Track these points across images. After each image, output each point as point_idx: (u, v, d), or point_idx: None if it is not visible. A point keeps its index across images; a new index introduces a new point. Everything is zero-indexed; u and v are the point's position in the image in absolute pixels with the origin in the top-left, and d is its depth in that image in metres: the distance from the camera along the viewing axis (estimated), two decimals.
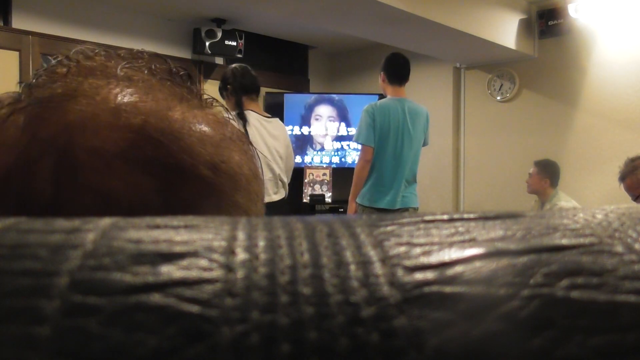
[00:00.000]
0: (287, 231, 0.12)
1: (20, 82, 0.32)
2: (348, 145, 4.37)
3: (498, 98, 4.00)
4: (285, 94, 4.37)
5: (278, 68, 4.49)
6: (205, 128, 0.31)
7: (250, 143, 0.36)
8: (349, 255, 0.11)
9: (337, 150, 4.40)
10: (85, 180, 0.28)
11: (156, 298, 0.10)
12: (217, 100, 0.35)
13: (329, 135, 4.39)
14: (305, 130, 4.36)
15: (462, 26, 3.18)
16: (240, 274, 0.10)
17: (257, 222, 0.13)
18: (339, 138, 4.40)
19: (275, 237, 0.12)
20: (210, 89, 3.72)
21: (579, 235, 0.12)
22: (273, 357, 0.09)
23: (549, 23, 3.63)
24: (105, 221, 0.12)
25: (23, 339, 0.09)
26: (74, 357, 0.09)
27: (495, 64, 3.96)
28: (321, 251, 0.11)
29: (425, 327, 0.09)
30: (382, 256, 0.11)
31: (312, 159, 4.35)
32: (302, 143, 4.32)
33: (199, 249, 0.11)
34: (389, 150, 2.78)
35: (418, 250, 0.11)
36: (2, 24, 3.25)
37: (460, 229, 0.12)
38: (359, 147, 2.90)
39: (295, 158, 2.72)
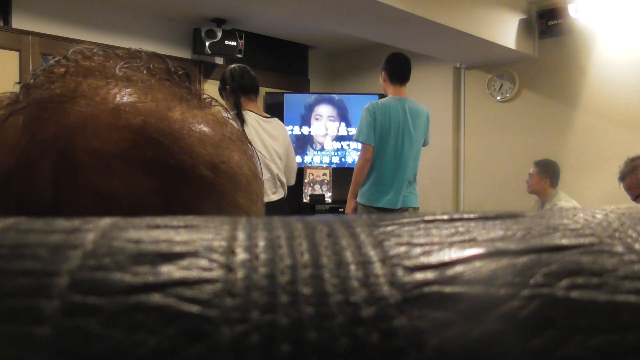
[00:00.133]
0: (287, 231, 0.12)
1: (18, 83, 0.32)
2: (348, 145, 4.37)
3: (498, 98, 4.00)
4: (285, 94, 4.37)
5: (278, 68, 4.49)
6: (204, 128, 0.31)
7: (250, 143, 0.36)
8: (349, 255, 0.11)
9: (337, 150, 4.40)
10: (86, 181, 0.27)
11: (156, 298, 0.10)
12: (216, 100, 0.35)
13: (329, 135, 4.39)
14: (305, 130, 4.36)
15: (462, 26, 3.18)
16: (240, 274, 0.10)
17: (257, 222, 0.13)
18: (339, 138, 4.40)
19: (275, 237, 0.12)
20: (210, 89, 3.72)
21: (579, 235, 0.12)
22: (273, 357, 0.09)
23: (549, 23, 3.63)
24: (105, 221, 0.12)
25: (23, 339, 0.09)
26: (74, 357, 0.09)
27: (495, 64, 3.96)
28: (321, 251, 0.11)
29: (425, 327, 0.09)
30: (382, 256, 0.11)
31: (312, 159, 4.35)
32: (302, 143, 4.32)
33: (199, 249, 0.11)
34: (389, 149, 2.79)
35: (418, 250, 0.11)
36: (2, 24, 3.25)
37: (460, 229, 0.12)
38: (359, 146, 2.90)
39: (295, 158, 2.72)
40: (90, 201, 0.27)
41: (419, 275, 0.11)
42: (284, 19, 3.61)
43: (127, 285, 0.10)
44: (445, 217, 0.13)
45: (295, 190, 2.83)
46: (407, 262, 0.11)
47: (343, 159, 4.36)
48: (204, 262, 0.11)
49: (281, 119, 2.86)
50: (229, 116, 0.35)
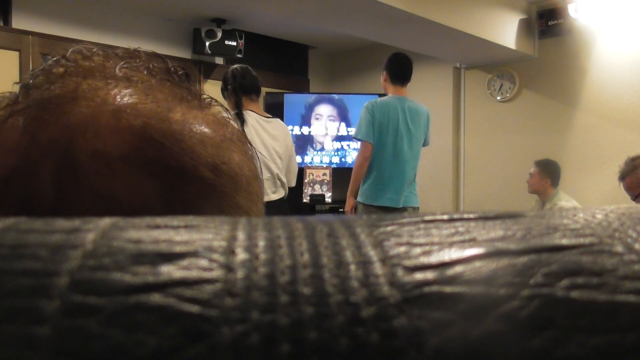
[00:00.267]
0: (287, 231, 0.12)
1: (17, 83, 0.32)
2: (348, 145, 4.37)
3: (498, 98, 4.00)
4: (285, 94, 4.37)
5: (278, 68, 4.49)
6: (205, 129, 0.31)
7: (250, 143, 0.36)
8: (349, 255, 0.11)
9: (337, 150, 4.40)
10: (87, 183, 0.27)
11: (156, 298, 0.10)
12: (216, 100, 0.35)
13: (329, 135, 4.39)
14: (305, 130, 4.36)
15: (462, 26, 3.18)
16: (240, 274, 0.10)
17: (257, 222, 0.13)
18: (339, 138, 4.40)
19: (275, 237, 0.12)
20: (210, 89, 3.71)
21: (579, 235, 0.12)
22: (273, 357, 0.09)
23: (549, 23, 3.63)
24: (105, 221, 0.12)
25: (23, 339, 0.09)
26: (74, 357, 0.09)
27: (495, 64, 3.96)
28: (321, 251, 0.11)
29: (425, 327, 0.09)
30: (382, 256, 0.11)
31: (312, 159, 4.35)
32: (302, 143, 4.32)
33: (199, 249, 0.11)
34: (388, 147, 2.79)
35: (418, 250, 0.11)
36: (2, 24, 3.25)
37: (460, 229, 0.12)
38: (359, 145, 2.91)
39: (296, 160, 2.73)
40: (91, 203, 0.27)
41: (419, 275, 0.11)
42: (284, 19, 3.61)
43: (127, 285, 0.10)
44: (445, 217, 0.13)
45: (295, 190, 2.84)
46: (407, 262, 0.11)
47: (343, 159, 4.36)
48: (204, 262, 0.11)
49: (281, 119, 2.86)
50: (229, 116, 0.35)
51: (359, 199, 2.87)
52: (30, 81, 0.31)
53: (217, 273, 0.10)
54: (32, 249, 0.11)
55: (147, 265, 0.11)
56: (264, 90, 3.13)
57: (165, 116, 0.30)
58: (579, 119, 3.61)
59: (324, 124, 4.38)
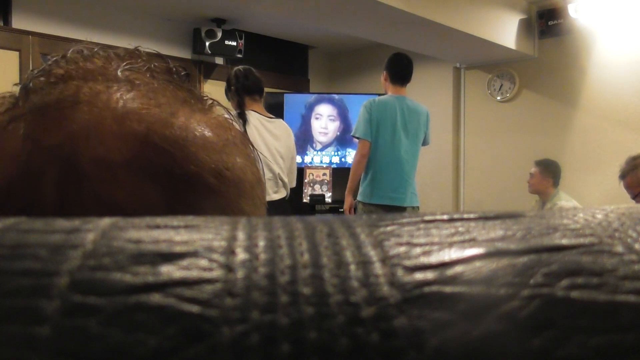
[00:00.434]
0: (287, 231, 0.12)
1: (17, 84, 0.32)
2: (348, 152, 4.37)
3: (498, 98, 4.00)
4: (285, 94, 4.37)
5: (278, 68, 4.49)
6: (208, 133, 0.31)
7: (251, 143, 0.35)
8: (349, 255, 0.11)
9: (337, 150, 4.40)
10: (90, 190, 0.27)
11: (156, 298, 0.10)
12: (218, 102, 0.35)
13: (329, 135, 4.39)
14: (305, 130, 4.36)
15: (462, 26, 3.18)
16: (240, 274, 0.10)
17: (257, 222, 0.13)
18: (340, 138, 4.40)
19: (275, 237, 0.12)
20: (210, 89, 3.71)
21: (579, 235, 0.12)
22: (273, 357, 0.09)
23: (549, 23, 3.63)
24: (105, 221, 0.12)
25: (23, 339, 0.09)
26: (74, 357, 0.09)
27: (495, 64, 3.96)
28: (321, 251, 0.11)
29: (425, 327, 0.09)
30: (382, 256, 0.11)
31: (312, 159, 4.35)
32: (302, 143, 4.32)
33: (199, 249, 0.11)
34: (386, 146, 2.80)
35: (418, 250, 0.11)
36: (2, 24, 3.25)
37: (460, 229, 0.12)
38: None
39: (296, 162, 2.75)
40: (94, 210, 0.27)
41: (419, 275, 0.11)
42: (284, 19, 3.61)
43: (127, 285, 0.10)
44: (445, 217, 0.13)
45: (295, 190, 2.84)
46: (407, 262, 0.11)
47: (343, 159, 4.36)
48: (204, 262, 0.11)
49: (281, 118, 2.88)
50: (231, 117, 0.35)
51: (358, 197, 2.88)
52: (30, 84, 0.30)
53: (217, 273, 0.10)
54: (32, 249, 0.11)
55: (147, 265, 0.11)
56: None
57: (168, 121, 0.30)
58: (579, 119, 3.61)
59: (324, 123, 4.38)
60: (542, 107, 3.77)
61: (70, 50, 0.32)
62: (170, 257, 0.11)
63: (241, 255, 0.11)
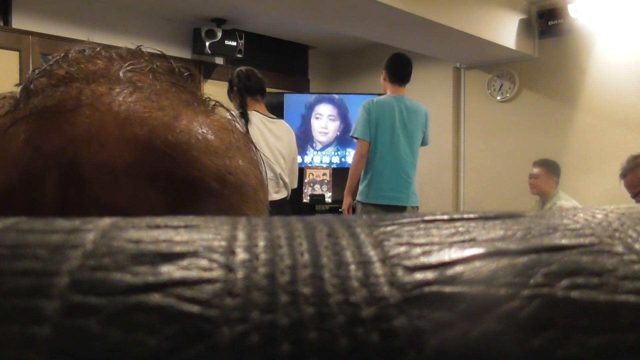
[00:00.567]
0: (287, 231, 0.12)
1: (17, 85, 0.31)
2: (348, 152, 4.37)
3: (498, 98, 4.00)
4: (285, 94, 4.37)
5: (278, 68, 4.49)
6: (211, 137, 0.31)
7: (254, 145, 0.35)
8: (349, 255, 0.11)
9: (337, 150, 4.40)
10: (92, 196, 0.27)
11: (156, 298, 0.10)
12: (221, 104, 0.35)
13: (330, 134, 4.39)
14: (305, 130, 4.36)
15: (462, 26, 3.18)
16: (240, 274, 0.10)
17: (257, 222, 0.13)
18: (340, 138, 4.40)
19: (275, 237, 0.12)
20: (210, 89, 3.71)
21: (579, 235, 0.12)
22: (273, 357, 0.09)
23: (549, 23, 3.63)
24: (105, 221, 0.12)
25: (23, 339, 0.09)
26: (74, 357, 0.09)
27: (495, 64, 3.96)
28: (321, 251, 0.11)
29: (425, 327, 0.09)
30: (382, 256, 0.11)
31: (312, 159, 4.35)
32: (303, 143, 4.32)
33: (199, 249, 0.11)
34: (385, 146, 2.81)
35: (418, 250, 0.11)
36: (2, 24, 3.25)
37: (460, 229, 0.12)
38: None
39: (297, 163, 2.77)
40: (97, 216, 0.27)
41: (419, 275, 0.11)
42: (284, 19, 3.61)
43: (127, 285, 0.10)
44: (445, 217, 0.13)
45: (295, 190, 2.85)
46: (407, 262, 0.11)
47: (343, 159, 4.36)
48: (204, 262, 0.11)
49: (281, 119, 2.88)
50: (234, 118, 0.35)
51: (357, 197, 2.88)
52: (31, 85, 0.30)
53: (217, 273, 0.10)
54: (32, 249, 0.11)
55: (147, 265, 0.11)
56: None
57: (171, 124, 0.29)
58: (579, 119, 3.61)
59: (324, 123, 4.38)
60: (542, 107, 3.77)
61: (72, 50, 0.32)
62: (170, 257, 0.11)
63: (241, 255, 0.11)
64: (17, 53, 3.26)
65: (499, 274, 0.11)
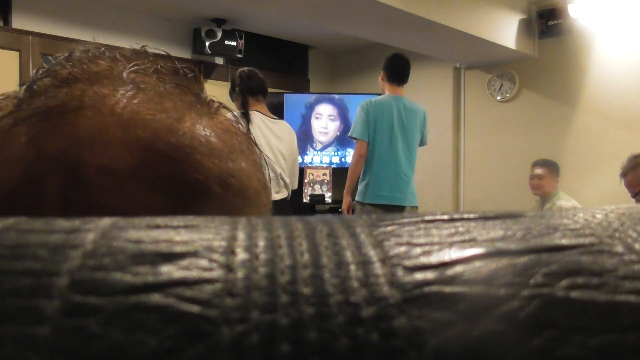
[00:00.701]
0: (287, 231, 0.12)
1: (21, 85, 0.31)
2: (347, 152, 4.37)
3: (498, 98, 4.00)
4: (285, 94, 4.37)
5: (278, 68, 4.49)
6: (214, 139, 0.30)
7: (258, 147, 0.35)
8: (349, 255, 0.11)
9: (337, 150, 4.40)
10: (94, 199, 0.27)
11: (156, 298, 0.10)
12: (224, 105, 0.34)
13: (330, 134, 4.39)
14: (305, 130, 4.36)
15: (462, 26, 3.18)
16: (240, 274, 0.10)
17: (257, 222, 0.13)
18: (340, 138, 4.40)
19: (275, 237, 0.12)
20: (210, 89, 3.72)
21: (579, 235, 0.12)
22: (273, 357, 0.09)
23: (549, 23, 3.63)
24: (105, 221, 0.12)
25: (23, 339, 0.09)
26: (74, 357, 0.09)
27: (495, 64, 3.96)
28: (321, 251, 0.11)
29: (425, 327, 0.09)
30: (382, 256, 0.11)
31: (312, 159, 4.35)
32: (303, 143, 4.31)
33: (199, 249, 0.11)
34: (383, 146, 2.82)
35: (418, 250, 0.11)
36: (2, 24, 3.25)
37: (460, 229, 0.12)
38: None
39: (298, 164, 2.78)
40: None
41: (419, 275, 0.11)
42: (284, 19, 3.61)
43: (127, 285, 0.10)
44: (445, 217, 0.13)
45: (296, 190, 2.85)
46: (407, 262, 0.11)
47: (343, 159, 4.36)
48: (204, 262, 0.11)
49: (281, 119, 2.89)
50: (237, 120, 0.34)
51: (356, 197, 2.89)
52: (35, 86, 0.30)
53: (217, 273, 0.10)
54: (32, 249, 0.11)
55: (147, 265, 0.11)
56: None
57: (174, 127, 0.29)
58: (578, 119, 3.61)
59: (325, 123, 4.38)
60: (542, 107, 3.77)
61: (76, 50, 0.32)
62: (170, 257, 0.11)
63: (241, 255, 0.11)
64: (17, 53, 3.26)
65: (499, 274, 0.11)
